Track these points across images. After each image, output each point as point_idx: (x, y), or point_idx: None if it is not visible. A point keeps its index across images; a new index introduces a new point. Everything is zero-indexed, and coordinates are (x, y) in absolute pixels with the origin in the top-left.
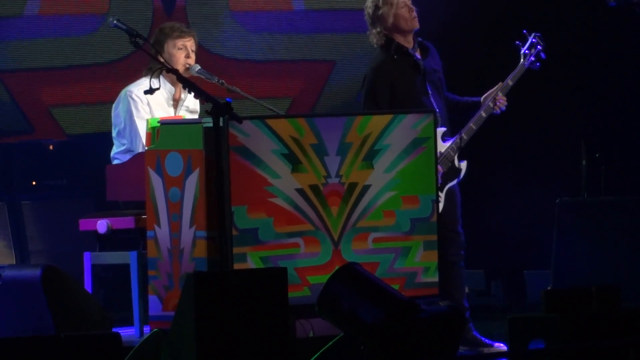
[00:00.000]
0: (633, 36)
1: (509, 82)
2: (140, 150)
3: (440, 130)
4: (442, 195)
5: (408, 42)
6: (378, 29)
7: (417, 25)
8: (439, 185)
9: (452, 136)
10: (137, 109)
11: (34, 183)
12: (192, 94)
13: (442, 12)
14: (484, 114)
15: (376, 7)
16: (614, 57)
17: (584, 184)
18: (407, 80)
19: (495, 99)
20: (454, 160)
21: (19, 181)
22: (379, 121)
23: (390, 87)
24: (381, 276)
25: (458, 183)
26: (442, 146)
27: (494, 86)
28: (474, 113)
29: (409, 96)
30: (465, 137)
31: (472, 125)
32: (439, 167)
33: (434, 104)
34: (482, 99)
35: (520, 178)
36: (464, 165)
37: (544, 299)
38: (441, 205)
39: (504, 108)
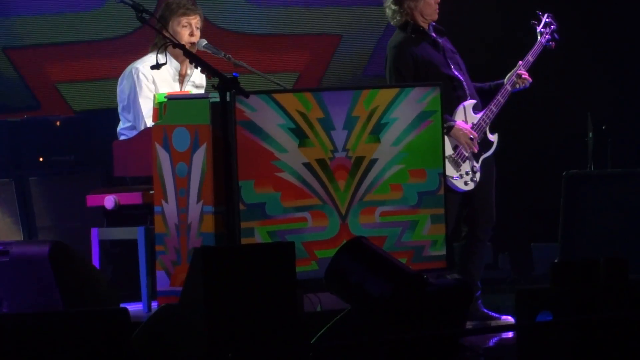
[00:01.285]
0: None
1: (530, 58)
2: (142, 126)
3: (471, 103)
4: (477, 165)
5: (425, 25)
6: (400, 8)
7: (437, 17)
8: (474, 155)
9: (482, 109)
10: (141, 87)
11: (41, 159)
12: (199, 69)
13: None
14: (509, 88)
15: None
16: (621, 28)
17: (590, 157)
18: (429, 56)
19: (519, 74)
20: (486, 131)
21: (26, 157)
22: (385, 95)
23: (414, 62)
24: (389, 250)
25: (493, 155)
26: (474, 117)
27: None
28: (500, 89)
29: (432, 70)
30: (494, 109)
31: (499, 97)
32: (475, 140)
33: (459, 76)
34: (506, 78)
35: (527, 151)
36: (495, 137)
37: (551, 272)
38: (478, 175)
39: (528, 85)
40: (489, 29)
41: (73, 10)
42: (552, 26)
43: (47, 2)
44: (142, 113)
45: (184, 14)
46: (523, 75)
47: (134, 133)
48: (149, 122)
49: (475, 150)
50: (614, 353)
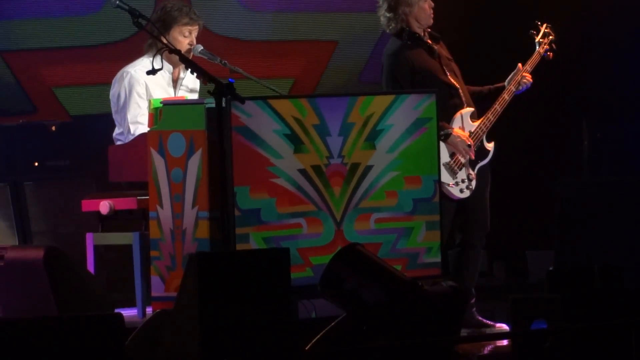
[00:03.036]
0: (636, 14)
1: (527, 68)
2: (129, 136)
3: (468, 111)
4: (473, 173)
5: (420, 31)
6: (394, 15)
7: (431, 22)
8: (471, 163)
9: (479, 117)
10: (132, 91)
11: (36, 164)
12: (194, 74)
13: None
14: (513, 88)
15: None
16: (616, 34)
17: (585, 164)
18: (425, 63)
19: (516, 80)
20: (482, 139)
21: (21, 162)
22: (381, 101)
23: (410, 69)
24: (383, 257)
25: (489, 164)
26: (471, 125)
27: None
28: (497, 96)
29: (429, 77)
30: (491, 117)
31: (496, 106)
32: (472, 148)
33: (455, 83)
34: (507, 81)
35: (521, 157)
36: (491, 146)
37: (546, 279)
38: (474, 183)
39: (529, 85)
40: (483, 35)
41: (70, 14)
42: (550, 36)
43: (45, 6)
44: (128, 119)
45: (187, 24)
46: (526, 76)
47: (129, 138)
48: (133, 128)
49: (472, 157)
50: None
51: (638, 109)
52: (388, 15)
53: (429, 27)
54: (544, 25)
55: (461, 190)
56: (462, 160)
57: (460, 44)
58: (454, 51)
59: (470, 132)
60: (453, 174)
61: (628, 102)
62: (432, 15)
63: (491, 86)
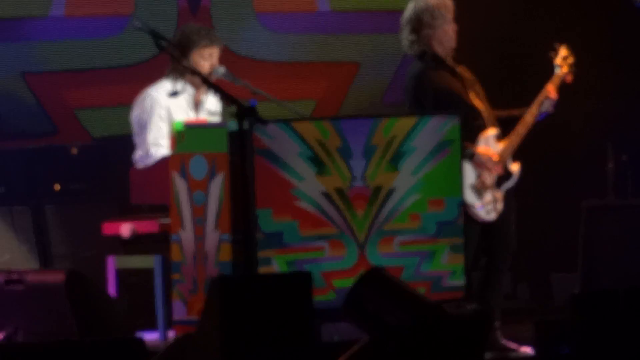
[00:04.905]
0: None
1: (548, 90)
2: (151, 158)
3: (493, 132)
4: (500, 195)
5: (443, 54)
6: (418, 37)
7: (455, 45)
8: (496, 185)
9: (503, 139)
10: (153, 114)
11: (58, 187)
12: (213, 95)
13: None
14: (530, 119)
15: (430, 16)
16: None
17: (610, 187)
18: (449, 85)
19: (539, 101)
20: (508, 162)
21: (42, 185)
22: (404, 124)
23: (434, 92)
24: (407, 280)
25: (515, 186)
26: (496, 146)
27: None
28: (521, 118)
29: (453, 99)
30: (515, 139)
31: (519, 128)
32: (498, 168)
33: (479, 105)
34: (534, 103)
35: (546, 180)
36: (517, 167)
37: (571, 302)
38: (500, 205)
39: (553, 107)
40: (506, 55)
41: (92, 36)
42: (569, 59)
43: (67, 28)
44: (149, 141)
45: (207, 46)
46: (550, 97)
47: (150, 160)
48: (153, 149)
49: (500, 172)
50: None
51: None
52: (411, 37)
53: (453, 50)
54: (563, 47)
55: (487, 212)
56: (489, 179)
57: (483, 66)
58: (477, 74)
59: (496, 153)
60: (479, 195)
61: None
62: (455, 39)
63: (516, 110)
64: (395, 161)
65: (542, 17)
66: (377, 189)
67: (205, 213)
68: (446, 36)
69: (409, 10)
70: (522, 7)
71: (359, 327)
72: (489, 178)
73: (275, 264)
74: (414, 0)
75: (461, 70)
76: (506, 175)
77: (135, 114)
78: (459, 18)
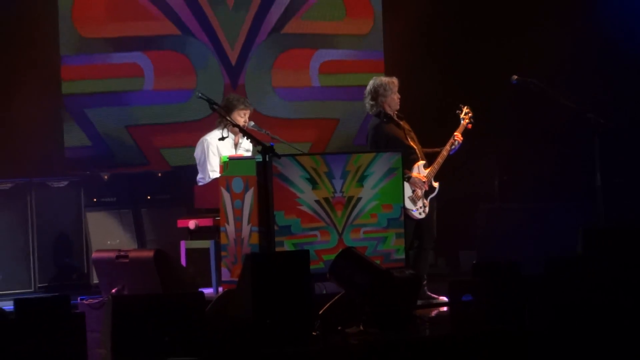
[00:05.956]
0: None
1: (456, 134)
2: (207, 179)
3: (422, 163)
4: (427, 202)
5: (391, 113)
6: (375, 102)
7: (398, 107)
8: (424, 196)
9: (429, 166)
10: (208, 152)
11: (149, 197)
12: (248, 140)
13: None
14: (445, 153)
15: (383, 89)
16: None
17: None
18: (395, 133)
19: (451, 142)
20: (431, 180)
21: (140, 196)
22: (367, 157)
23: (386, 138)
24: (369, 255)
25: (436, 196)
26: (424, 172)
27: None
28: (439, 153)
29: (397, 142)
30: (436, 166)
31: (439, 159)
32: (425, 185)
33: (414, 146)
34: (448, 144)
35: (454, 191)
36: (437, 184)
37: (473, 268)
38: (427, 209)
39: (459, 145)
40: (432, 110)
41: (170, 102)
42: (469, 114)
43: (154, 97)
44: (208, 169)
45: (243, 109)
46: (457, 139)
47: (207, 180)
48: (213, 175)
49: (427, 189)
50: None
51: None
52: (371, 102)
53: (397, 110)
54: (465, 107)
55: (420, 213)
56: (420, 193)
57: (415, 121)
58: (412, 125)
59: (424, 176)
60: (414, 203)
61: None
62: (398, 103)
63: (437, 148)
64: (361, 180)
65: (452, 82)
66: (350, 198)
67: (242, 213)
68: (393, 102)
69: (370, 85)
70: (439, 79)
71: (339, 285)
72: (420, 192)
73: (286, 245)
74: (372, 78)
75: (403, 123)
76: (431, 189)
77: (197, 151)
78: (401, 90)
